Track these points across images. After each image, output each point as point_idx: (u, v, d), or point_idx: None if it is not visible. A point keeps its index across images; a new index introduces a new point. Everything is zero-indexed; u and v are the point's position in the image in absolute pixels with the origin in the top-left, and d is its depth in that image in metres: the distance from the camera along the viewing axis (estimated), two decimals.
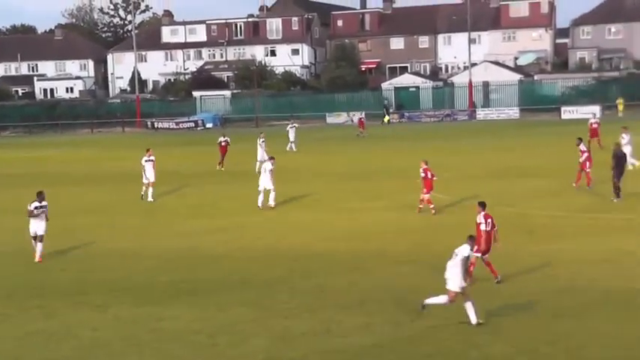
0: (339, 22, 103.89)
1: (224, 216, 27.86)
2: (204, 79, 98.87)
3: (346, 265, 19.97)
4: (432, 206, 26.40)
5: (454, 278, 14.65)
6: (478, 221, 17.61)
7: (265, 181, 28.80)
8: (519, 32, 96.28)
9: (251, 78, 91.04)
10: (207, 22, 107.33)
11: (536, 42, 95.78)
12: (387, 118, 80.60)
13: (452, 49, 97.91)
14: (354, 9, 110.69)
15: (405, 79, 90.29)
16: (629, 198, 26.90)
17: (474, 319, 14.59)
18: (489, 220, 17.57)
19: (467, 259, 14.95)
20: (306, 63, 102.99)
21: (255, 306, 16.66)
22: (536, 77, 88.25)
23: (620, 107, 73.88)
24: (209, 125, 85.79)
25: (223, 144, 42.09)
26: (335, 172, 38.77)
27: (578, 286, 17.04)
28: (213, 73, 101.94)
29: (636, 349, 13.34)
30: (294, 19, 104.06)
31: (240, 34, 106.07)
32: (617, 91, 77.72)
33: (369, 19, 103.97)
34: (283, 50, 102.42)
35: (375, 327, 14.97)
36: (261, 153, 38.92)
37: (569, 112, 74.85)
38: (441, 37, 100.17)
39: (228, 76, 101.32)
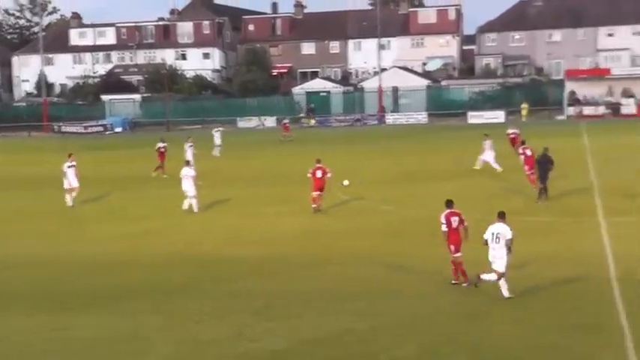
0: (251, 27, 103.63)
1: (136, 221, 27.40)
2: (113, 82, 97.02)
3: (255, 269, 19.88)
4: (314, 205, 27.06)
5: (500, 260, 16.13)
6: (442, 221, 17.47)
7: (186, 187, 28.55)
8: (427, 38, 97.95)
9: (161, 82, 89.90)
10: (117, 24, 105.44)
11: (444, 48, 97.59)
12: (311, 120, 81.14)
13: (362, 54, 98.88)
14: (266, 14, 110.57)
15: (316, 84, 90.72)
16: (550, 201, 27.63)
17: (506, 294, 16.13)
18: (455, 218, 17.47)
19: (510, 240, 16.23)
20: (218, 67, 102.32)
21: (163, 313, 16.39)
22: (443, 83, 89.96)
23: (524, 112, 76.04)
24: (118, 129, 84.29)
25: (162, 150, 41.16)
26: (248, 177, 38.65)
27: (491, 289, 17.37)
28: (122, 76, 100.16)
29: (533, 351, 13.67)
30: (205, 22, 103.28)
31: (151, 38, 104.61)
32: (521, 97, 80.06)
33: (281, 23, 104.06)
34: (194, 54, 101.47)
35: (283, 331, 14.93)
36: (189, 157, 38.57)
37: (475, 117, 76.64)
38: (351, 43, 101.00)
39: (138, 80, 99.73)
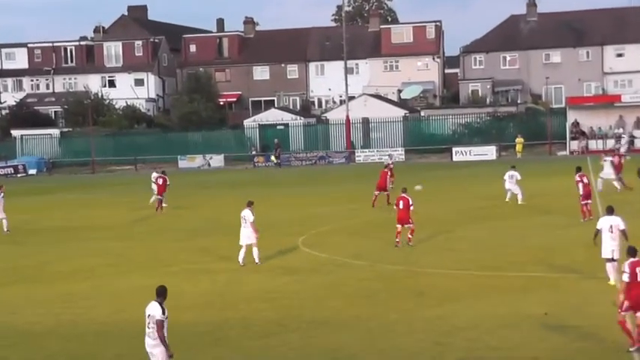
0: (192, 48, 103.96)
1: (53, 283, 26.99)
2: (25, 114, 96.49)
3: (208, 337, 19.69)
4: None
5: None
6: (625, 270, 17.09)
7: None
8: (403, 61, 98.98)
9: (84, 113, 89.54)
10: (30, 45, 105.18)
11: (423, 72, 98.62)
12: (274, 158, 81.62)
13: (326, 79, 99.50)
14: (210, 32, 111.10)
15: (272, 115, 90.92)
16: (526, 253, 27.78)
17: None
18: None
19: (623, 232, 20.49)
20: (153, 96, 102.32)
21: None
22: (423, 113, 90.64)
23: (519, 147, 76.81)
24: (32, 171, 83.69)
25: (160, 181, 43.23)
26: (187, 228, 38.44)
27: (477, 358, 17.32)
28: (37, 107, 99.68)
29: None
30: (137, 43, 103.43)
31: (71, 61, 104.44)
32: (515, 129, 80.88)
33: (228, 44, 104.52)
34: (124, 80, 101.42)
35: None
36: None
37: (461, 154, 77.30)
38: (312, 66, 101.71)
39: (56, 111, 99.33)
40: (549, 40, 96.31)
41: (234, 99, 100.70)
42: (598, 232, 22.36)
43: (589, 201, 33.90)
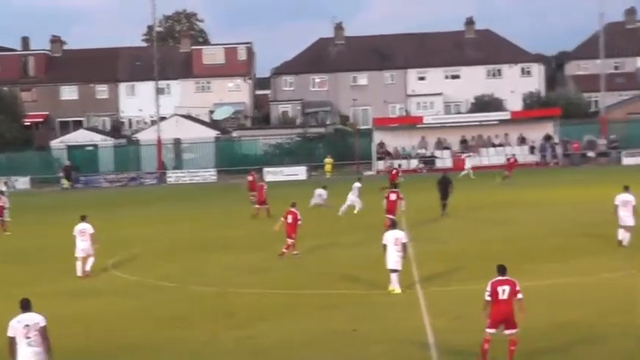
0: None
1: None
2: None
3: None
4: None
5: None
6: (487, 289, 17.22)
7: None
8: (214, 82, 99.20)
9: None
10: None
11: (234, 93, 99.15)
12: (65, 182, 79.01)
13: (136, 100, 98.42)
14: (15, 50, 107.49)
15: (81, 136, 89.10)
16: (334, 271, 28.37)
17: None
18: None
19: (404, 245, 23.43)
20: None
21: None
22: (234, 134, 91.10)
23: (328, 167, 78.24)
24: None
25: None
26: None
27: None
28: None
29: None
30: None
31: None
32: (324, 150, 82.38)
33: (34, 62, 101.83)
34: None
35: None
36: None
37: (272, 174, 77.94)
38: (122, 86, 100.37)
39: None
40: (356, 63, 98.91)
41: (41, 119, 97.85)
42: (385, 247, 24.17)
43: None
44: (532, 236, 34.03)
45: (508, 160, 65.42)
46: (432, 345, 18.82)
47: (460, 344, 18.68)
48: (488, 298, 16.88)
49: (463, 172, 65.65)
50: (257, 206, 44.98)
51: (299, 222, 31.04)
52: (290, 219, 30.98)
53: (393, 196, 36.81)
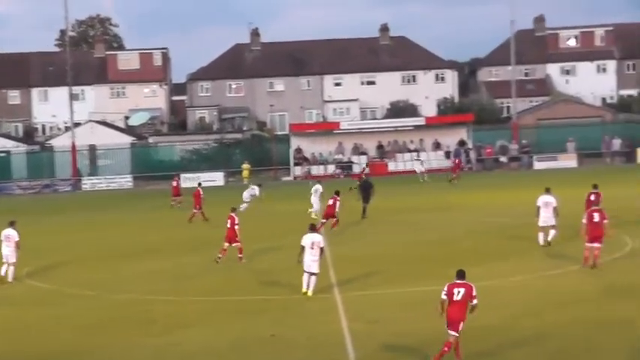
0: None
1: None
2: None
3: None
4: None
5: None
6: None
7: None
8: (130, 87, 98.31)
9: None
10: None
11: (150, 99, 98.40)
12: None
13: (50, 105, 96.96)
14: None
15: None
16: (254, 277, 28.48)
17: None
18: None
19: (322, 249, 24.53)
20: None
21: None
22: (150, 140, 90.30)
23: (246, 173, 78.07)
24: None
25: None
26: None
27: None
28: None
29: None
30: None
31: None
32: (242, 155, 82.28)
33: None
34: None
35: None
36: None
37: (189, 180, 77.32)
38: (35, 92, 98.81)
39: None
40: (273, 69, 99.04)
41: None
42: (303, 249, 24.59)
43: (326, 220, 37.96)
44: (448, 240, 34.58)
45: (454, 162, 68.47)
46: (349, 349, 19.09)
47: (377, 347, 19.00)
48: (445, 297, 17.41)
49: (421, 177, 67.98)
50: (195, 211, 44.81)
51: (236, 226, 31.03)
52: (229, 223, 31.14)
53: (330, 201, 38.48)
